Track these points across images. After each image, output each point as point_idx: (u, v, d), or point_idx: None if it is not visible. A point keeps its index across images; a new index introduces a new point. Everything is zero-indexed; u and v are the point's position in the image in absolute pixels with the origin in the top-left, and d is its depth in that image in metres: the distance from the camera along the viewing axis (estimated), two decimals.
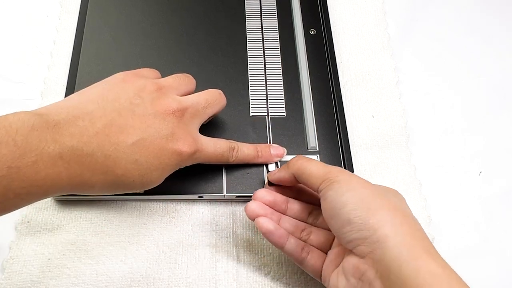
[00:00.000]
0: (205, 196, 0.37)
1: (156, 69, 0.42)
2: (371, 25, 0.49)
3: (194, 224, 0.37)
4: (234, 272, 0.35)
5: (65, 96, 0.41)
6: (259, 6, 0.47)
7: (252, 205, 0.33)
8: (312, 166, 0.31)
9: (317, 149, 0.39)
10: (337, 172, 0.30)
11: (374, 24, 0.49)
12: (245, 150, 0.36)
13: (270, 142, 0.39)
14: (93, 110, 0.28)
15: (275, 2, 0.48)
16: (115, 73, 0.42)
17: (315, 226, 0.34)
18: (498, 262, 0.38)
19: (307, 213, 0.34)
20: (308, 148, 0.39)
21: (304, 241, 0.33)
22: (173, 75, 0.35)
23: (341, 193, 0.29)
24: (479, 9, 0.52)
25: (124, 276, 0.35)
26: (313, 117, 0.41)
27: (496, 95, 0.46)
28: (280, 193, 0.35)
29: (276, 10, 0.47)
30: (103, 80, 0.32)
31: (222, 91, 0.39)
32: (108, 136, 0.28)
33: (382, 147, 0.42)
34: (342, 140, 0.40)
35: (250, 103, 0.41)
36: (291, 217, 0.34)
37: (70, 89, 0.41)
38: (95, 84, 0.31)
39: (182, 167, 0.32)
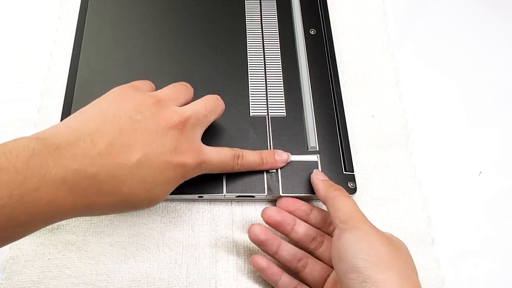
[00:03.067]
0: (205, 196, 0.37)
1: (156, 69, 0.42)
2: (371, 25, 0.49)
3: (194, 224, 0.37)
4: (234, 272, 0.35)
5: (65, 96, 0.41)
6: (259, 6, 0.47)
7: (256, 229, 0.34)
8: (346, 203, 0.32)
9: (317, 149, 0.39)
10: (363, 221, 0.30)
11: (374, 24, 0.49)
12: (250, 158, 0.36)
13: (270, 142, 0.39)
14: (94, 130, 0.27)
15: (275, 2, 0.48)
16: (115, 73, 0.42)
17: (315, 253, 0.34)
18: (498, 262, 0.38)
19: (311, 238, 0.35)
20: (308, 148, 0.39)
21: (298, 272, 0.34)
22: (170, 85, 0.34)
23: (358, 240, 0.29)
24: (479, 8, 0.52)
25: (124, 276, 0.35)
26: (313, 117, 0.41)
27: (496, 95, 0.46)
28: (294, 208, 0.35)
29: (276, 10, 0.47)
30: (99, 98, 0.31)
31: (222, 91, 0.39)
32: (112, 155, 0.27)
33: (382, 147, 0.42)
34: (342, 140, 0.40)
35: (250, 103, 0.41)
36: (294, 239, 0.35)
37: (70, 89, 0.41)
38: (92, 102, 0.30)
39: (188, 178, 0.32)
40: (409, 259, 0.30)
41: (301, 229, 0.35)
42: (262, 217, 0.35)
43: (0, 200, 0.22)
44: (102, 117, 0.28)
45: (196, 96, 0.37)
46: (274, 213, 0.35)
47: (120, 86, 0.32)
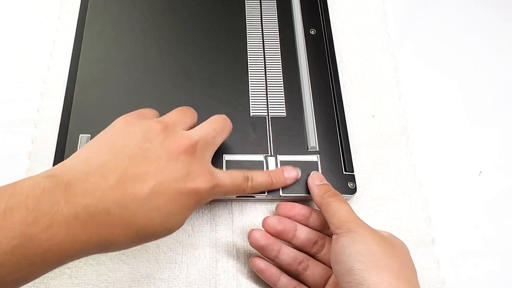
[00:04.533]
0: None
1: (156, 69, 0.42)
2: (371, 25, 0.49)
3: (194, 224, 0.37)
4: (234, 272, 0.35)
5: (65, 96, 0.41)
6: (259, 6, 0.47)
7: (256, 234, 0.34)
8: (340, 209, 0.32)
9: (317, 149, 0.39)
10: (359, 223, 0.31)
11: (374, 24, 0.49)
12: (259, 179, 0.35)
13: (270, 142, 0.39)
14: (103, 163, 0.26)
15: (275, 2, 0.48)
16: (115, 73, 0.42)
17: (317, 256, 0.34)
18: (498, 262, 0.38)
19: (312, 242, 0.35)
20: (308, 148, 0.39)
21: (299, 274, 0.34)
22: (175, 110, 0.33)
23: (354, 243, 0.29)
24: (479, 8, 0.52)
25: (124, 276, 0.35)
26: (313, 117, 0.41)
27: (496, 95, 0.46)
28: (293, 213, 0.35)
29: (276, 10, 0.47)
30: (105, 130, 0.30)
31: (222, 91, 0.39)
32: (123, 188, 0.26)
33: (382, 147, 0.42)
34: (342, 140, 0.40)
35: (250, 103, 0.41)
36: (296, 245, 0.35)
37: (70, 89, 0.41)
38: (98, 135, 0.29)
39: (203, 204, 0.31)
40: (406, 258, 0.30)
41: (302, 234, 0.35)
42: (263, 227, 0.34)
43: (12, 240, 0.22)
44: (111, 148, 0.28)
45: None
46: (275, 222, 0.34)
47: (124, 115, 0.31)
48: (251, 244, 0.34)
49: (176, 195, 0.28)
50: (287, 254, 0.34)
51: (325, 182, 0.36)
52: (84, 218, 0.24)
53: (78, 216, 0.24)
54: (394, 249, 0.30)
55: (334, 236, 0.31)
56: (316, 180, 0.36)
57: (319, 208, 0.34)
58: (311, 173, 0.37)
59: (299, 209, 0.36)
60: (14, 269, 0.22)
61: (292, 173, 0.37)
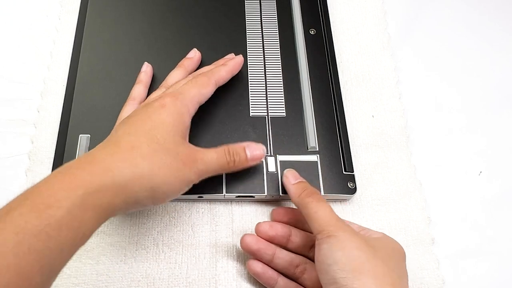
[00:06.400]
0: (205, 196, 0.37)
1: (156, 69, 0.42)
2: (371, 25, 0.49)
3: (194, 224, 0.37)
4: (234, 272, 0.35)
5: (65, 96, 0.41)
6: (259, 6, 0.47)
7: (247, 239, 0.33)
8: (319, 210, 0.30)
9: (317, 149, 0.39)
10: (339, 226, 0.29)
11: (374, 24, 0.49)
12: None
13: (270, 142, 0.39)
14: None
15: (275, 2, 0.48)
16: (115, 73, 0.42)
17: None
18: (498, 263, 0.38)
19: (309, 246, 0.34)
20: (308, 148, 0.39)
21: (297, 278, 0.33)
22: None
23: (335, 250, 0.28)
24: (480, 8, 0.52)
25: (124, 276, 0.35)
26: (313, 117, 0.41)
27: (496, 94, 0.46)
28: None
29: (276, 10, 0.47)
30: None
31: (222, 91, 0.39)
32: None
33: (382, 147, 0.42)
34: (342, 140, 0.40)
35: (250, 103, 0.41)
36: (292, 249, 0.34)
37: (70, 89, 0.41)
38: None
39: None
40: (394, 261, 0.30)
41: (297, 238, 0.34)
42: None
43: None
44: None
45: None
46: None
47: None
48: (243, 249, 0.34)
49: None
50: (283, 258, 0.33)
51: (301, 179, 0.35)
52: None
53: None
54: (376, 250, 0.29)
55: (316, 242, 0.30)
56: (291, 179, 0.35)
57: (298, 208, 0.33)
58: (285, 171, 0.36)
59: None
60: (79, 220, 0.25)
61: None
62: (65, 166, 0.27)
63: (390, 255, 0.30)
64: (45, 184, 0.25)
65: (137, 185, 0.27)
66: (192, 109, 0.34)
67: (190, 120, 0.34)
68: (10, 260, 0.22)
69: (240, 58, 0.41)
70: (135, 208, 0.29)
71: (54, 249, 0.23)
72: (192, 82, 0.35)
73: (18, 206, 0.24)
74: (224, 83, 0.39)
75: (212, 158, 0.32)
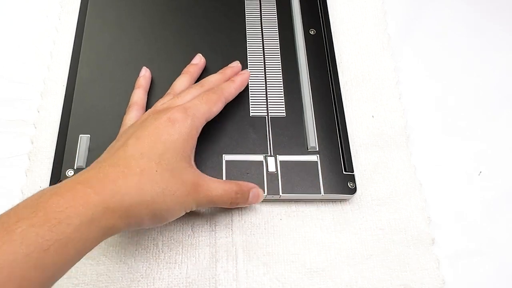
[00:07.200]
0: None
1: (156, 69, 0.42)
2: (371, 25, 0.49)
3: (194, 224, 0.37)
4: (234, 272, 0.35)
5: (65, 96, 0.41)
6: (259, 6, 0.47)
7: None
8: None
9: (317, 149, 0.39)
10: None
11: (374, 24, 0.49)
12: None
13: (270, 142, 0.39)
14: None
15: (275, 2, 0.48)
16: (115, 73, 0.42)
17: None
18: (498, 262, 0.38)
19: None
20: (308, 148, 0.39)
21: None
22: None
23: None
24: (480, 8, 0.52)
25: (124, 276, 0.35)
26: (313, 117, 0.41)
27: (496, 95, 0.46)
28: None
29: (276, 10, 0.47)
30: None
31: None
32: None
33: (382, 147, 0.42)
34: (342, 140, 0.40)
35: (250, 103, 0.41)
36: None
37: (70, 89, 0.41)
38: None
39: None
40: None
41: None
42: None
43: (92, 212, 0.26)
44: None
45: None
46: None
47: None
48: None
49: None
50: None
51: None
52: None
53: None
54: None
55: None
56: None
57: None
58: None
59: None
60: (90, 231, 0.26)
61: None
62: (76, 179, 0.27)
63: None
64: (56, 197, 0.25)
65: (142, 210, 0.28)
66: (200, 127, 0.34)
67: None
68: (16, 272, 0.22)
69: (247, 73, 0.41)
70: (134, 228, 0.30)
71: (59, 265, 0.24)
72: (203, 98, 0.35)
73: (29, 216, 0.24)
74: (232, 99, 0.39)
75: (217, 193, 0.33)
